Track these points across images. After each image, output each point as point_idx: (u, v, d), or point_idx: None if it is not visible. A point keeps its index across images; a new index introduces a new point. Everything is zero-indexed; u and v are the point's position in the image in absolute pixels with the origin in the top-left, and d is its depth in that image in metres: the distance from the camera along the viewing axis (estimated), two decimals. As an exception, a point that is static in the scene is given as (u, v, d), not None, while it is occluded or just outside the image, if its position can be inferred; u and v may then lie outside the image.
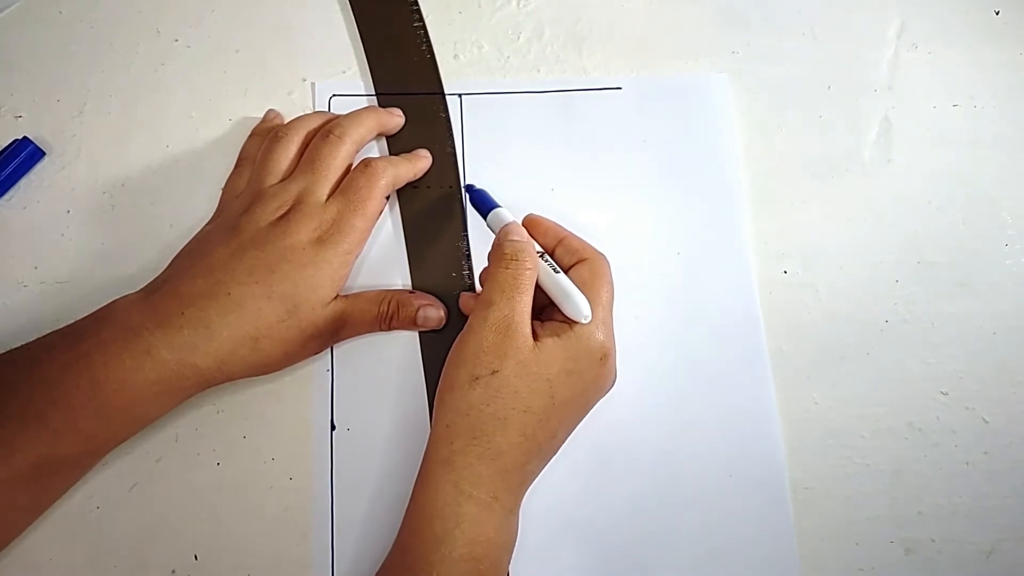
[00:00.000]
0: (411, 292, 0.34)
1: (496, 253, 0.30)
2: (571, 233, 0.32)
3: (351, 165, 0.34)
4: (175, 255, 0.32)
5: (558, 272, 0.29)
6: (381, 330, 0.33)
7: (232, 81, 0.38)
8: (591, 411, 0.31)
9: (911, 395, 0.34)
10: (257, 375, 0.31)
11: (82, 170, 0.36)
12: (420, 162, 0.36)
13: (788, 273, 0.36)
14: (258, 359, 0.30)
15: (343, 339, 0.33)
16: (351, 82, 0.38)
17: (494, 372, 0.27)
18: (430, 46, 0.38)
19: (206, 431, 0.33)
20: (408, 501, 0.28)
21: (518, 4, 0.40)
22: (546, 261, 0.30)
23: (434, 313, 0.33)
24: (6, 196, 0.35)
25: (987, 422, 0.34)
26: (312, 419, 0.33)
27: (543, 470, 0.30)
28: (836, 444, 0.34)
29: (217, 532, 0.31)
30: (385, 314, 0.33)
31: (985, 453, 0.34)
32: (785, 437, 0.33)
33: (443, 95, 0.38)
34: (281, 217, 0.31)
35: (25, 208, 0.35)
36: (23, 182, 0.36)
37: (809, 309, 0.35)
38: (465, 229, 0.36)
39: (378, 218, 0.34)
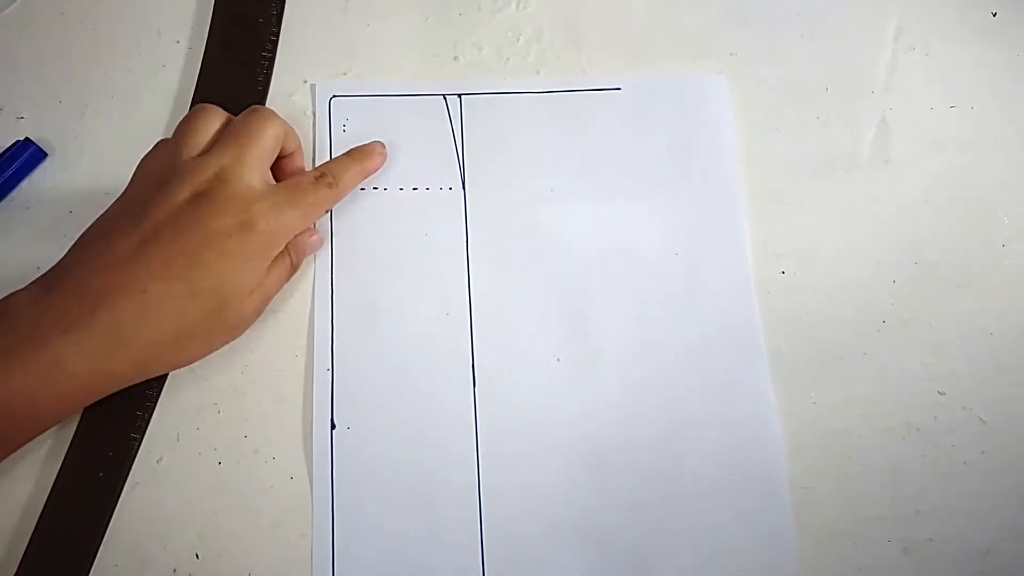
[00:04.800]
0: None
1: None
2: None
3: (285, 158, 0.33)
4: (75, 241, 0.29)
5: None
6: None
7: (233, 82, 0.38)
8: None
9: (909, 395, 0.34)
10: (177, 369, 0.30)
11: (84, 171, 0.36)
12: (372, 160, 0.34)
13: (786, 273, 0.36)
14: (180, 359, 0.29)
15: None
16: (352, 82, 0.38)
17: None
18: (268, 77, 0.37)
19: (206, 431, 0.33)
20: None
21: (517, 6, 0.40)
22: None
23: (316, 239, 0.33)
24: (8, 197, 0.36)
25: (985, 422, 0.34)
26: (313, 418, 0.33)
27: None
28: (834, 444, 0.34)
29: (217, 532, 0.31)
30: (294, 266, 0.32)
31: (983, 453, 0.34)
32: (783, 437, 0.34)
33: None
34: (200, 195, 0.28)
35: (27, 209, 0.36)
36: (25, 183, 0.36)
37: (807, 309, 0.35)
38: (466, 228, 0.36)
39: (314, 221, 0.33)
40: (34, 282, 0.28)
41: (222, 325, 0.29)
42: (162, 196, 0.28)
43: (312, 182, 0.32)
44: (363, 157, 0.34)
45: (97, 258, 0.27)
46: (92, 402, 0.28)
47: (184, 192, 0.28)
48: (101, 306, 0.26)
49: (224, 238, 0.27)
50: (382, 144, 0.36)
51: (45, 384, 0.25)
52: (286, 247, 0.31)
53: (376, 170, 0.35)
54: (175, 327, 0.27)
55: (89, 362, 0.26)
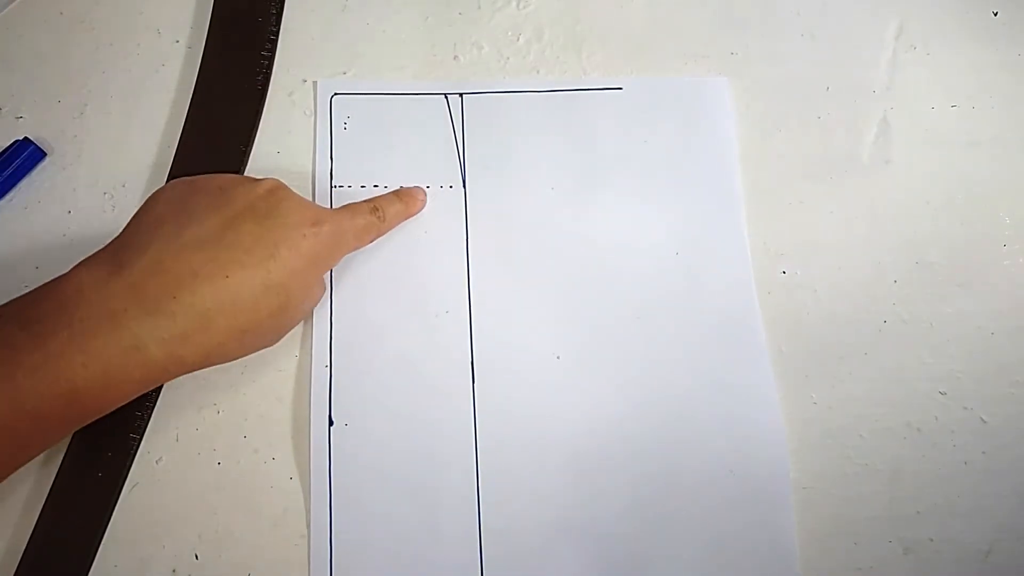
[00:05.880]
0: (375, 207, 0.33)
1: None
2: None
3: None
4: (136, 217, 0.28)
5: None
6: None
7: (232, 82, 0.38)
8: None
9: (910, 395, 0.34)
10: (229, 362, 0.29)
11: (83, 171, 0.36)
12: (414, 204, 0.35)
13: (787, 273, 0.36)
14: (237, 353, 0.28)
15: None
16: (352, 81, 0.38)
17: None
18: (267, 76, 0.37)
19: (206, 431, 0.33)
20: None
21: (517, 5, 0.40)
22: None
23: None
24: (7, 197, 0.36)
25: (985, 422, 0.34)
26: (311, 415, 0.33)
27: None
28: (835, 444, 0.34)
29: (217, 532, 0.31)
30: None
31: (983, 453, 0.34)
32: (784, 437, 0.34)
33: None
34: (276, 190, 0.28)
35: (26, 209, 0.36)
36: (24, 183, 0.36)
37: (808, 309, 0.35)
38: (466, 226, 0.36)
39: (360, 247, 0.33)
40: (95, 259, 0.26)
41: (277, 327, 0.28)
42: (241, 186, 0.28)
43: (365, 210, 0.32)
44: (408, 199, 0.34)
45: (176, 238, 0.25)
46: (154, 388, 0.26)
47: (261, 187, 0.28)
48: (184, 288, 0.24)
49: (300, 235, 0.27)
50: (424, 191, 0.36)
51: (122, 368, 0.24)
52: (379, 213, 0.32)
53: (415, 214, 0.35)
54: (247, 320, 0.26)
55: (167, 347, 0.24)
